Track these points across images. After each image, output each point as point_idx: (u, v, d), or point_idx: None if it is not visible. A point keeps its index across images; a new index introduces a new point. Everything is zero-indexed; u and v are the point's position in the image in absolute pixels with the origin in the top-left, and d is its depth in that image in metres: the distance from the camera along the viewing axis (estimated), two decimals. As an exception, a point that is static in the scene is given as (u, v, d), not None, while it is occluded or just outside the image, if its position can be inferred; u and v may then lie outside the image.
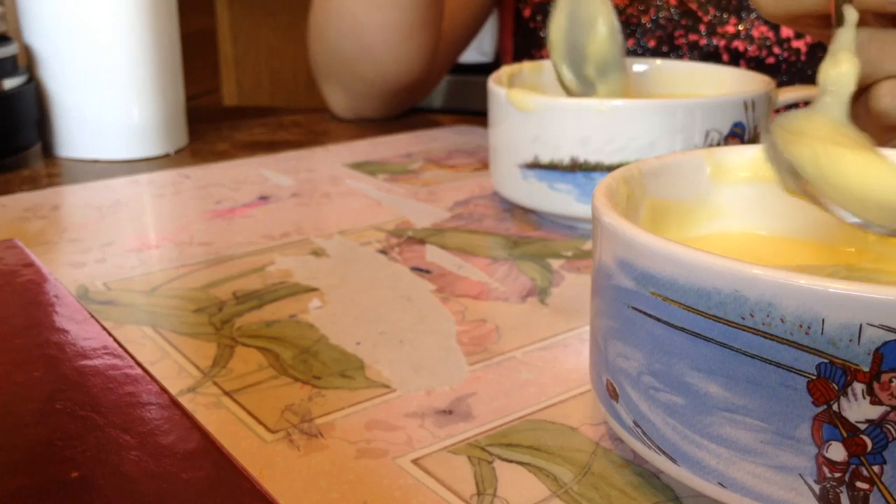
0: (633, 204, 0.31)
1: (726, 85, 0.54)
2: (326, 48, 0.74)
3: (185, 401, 0.31)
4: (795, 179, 0.29)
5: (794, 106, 0.57)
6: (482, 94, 0.54)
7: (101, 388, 0.23)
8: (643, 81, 0.58)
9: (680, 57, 0.70)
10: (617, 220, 0.26)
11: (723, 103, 0.46)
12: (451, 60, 0.81)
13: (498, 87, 0.50)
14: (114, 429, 0.21)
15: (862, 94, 0.39)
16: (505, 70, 0.55)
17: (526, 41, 0.79)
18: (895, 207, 0.28)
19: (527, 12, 0.77)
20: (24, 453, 0.20)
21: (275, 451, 0.28)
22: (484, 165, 0.61)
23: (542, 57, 0.76)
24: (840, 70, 0.32)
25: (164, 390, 0.23)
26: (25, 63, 0.65)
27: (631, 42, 0.71)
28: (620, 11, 0.71)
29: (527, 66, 0.57)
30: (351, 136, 0.71)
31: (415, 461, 0.28)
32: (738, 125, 0.47)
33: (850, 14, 0.34)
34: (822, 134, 0.31)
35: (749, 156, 0.34)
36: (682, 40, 0.70)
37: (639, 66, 0.59)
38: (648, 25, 0.70)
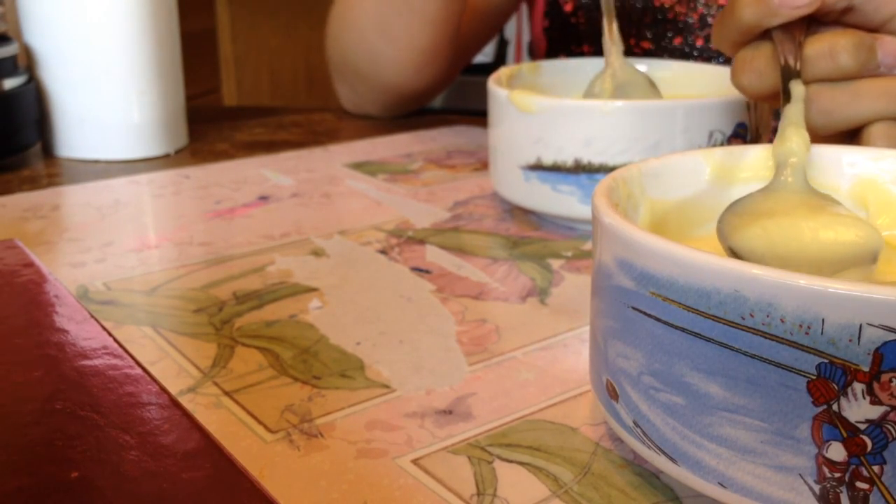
0: (633, 204, 0.31)
1: (726, 85, 0.54)
2: (339, 54, 0.76)
3: (185, 401, 0.31)
4: None
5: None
6: (482, 94, 0.54)
7: (101, 388, 0.23)
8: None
9: (727, 57, 0.70)
10: (617, 220, 0.26)
11: (726, 104, 0.46)
12: (462, 66, 0.82)
13: (499, 88, 0.50)
14: (114, 429, 0.21)
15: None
16: (504, 71, 0.55)
17: (564, 37, 0.78)
18: (846, 265, 0.29)
19: (568, 7, 0.76)
20: (24, 453, 0.20)
21: (275, 451, 0.28)
22: (484, 165, 0.61)
23: (581, 53, 0.76)
24: (790, 145, 0.33)
25: (164, 390, 0.23)
26: (25, 63, 0.65)
27: (678, 41, 0.71)
28: (668, 9, 0.71)
29: (525, 67, 0.57)
30: (351, 136, 0.71)
31: (415, 461, 0.28)
32: (741, 125, 0.47)
33: (797, 89, 0.36)
34: (784, 209, 0.31)
35: (748, 156, 0.34)
36: None
37: (639, 66, 0.59)
38: (696, 24, 0.70)
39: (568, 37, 0.78)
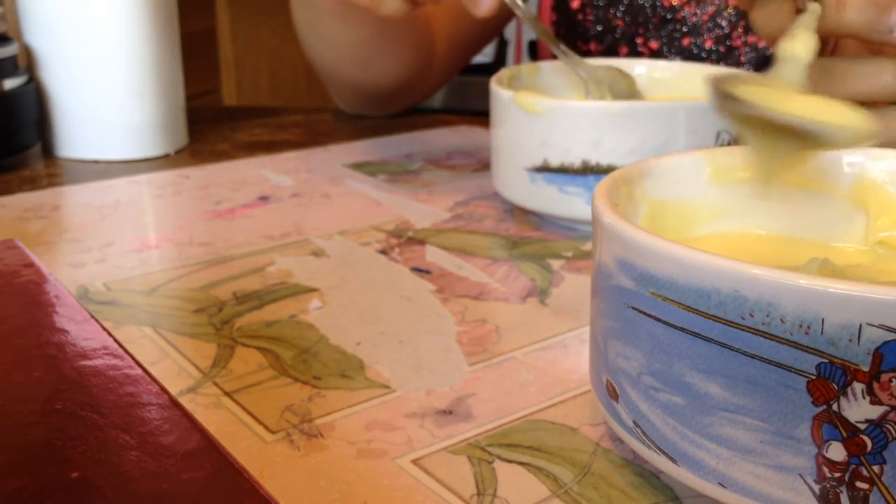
0: (633, 204, 0.31)
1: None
2: (309, 55, 0.76)
3: (185, 401, 0.31)
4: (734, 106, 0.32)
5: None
6: (482, 94, 0.54)
7: (101, 388, 0.23)
8: (643, 83, 0.58)
9: (737, 58, 0.70)
10: (617, 220, 0.26)
11: None
12: (460, 68, 0.82)
13: (503, 89, 0.50)
14: (114, 429, 0.21)
15: None
16: (504, 72, 0.54)
17: (570, 33, 0.78)
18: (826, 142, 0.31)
19: (575, 3, 0.77)
20: (24, 453, 0.20)
21: (275, 451, 0.28)
22: (484, 166, 0.61)
23: (588, 51, 0.76)
24: (797, 42, 0.35)
25: (164, 391, 0.23)
26: (25, 63, 0.65)
27: (687, 41, 0.71)
28: (677, 9, 0.71)
29: (525, 68, 0.57)
30: (351, 136, 0.71)
31: (415, 461, 0.28)
32: None
33: (813, 5, 0.37)
34: (774, 86, 0.33)
35: (748, 156, 0.34)
36: (740, 41, 0.70)
37: (640, 67, 0.59)
38: (705, 25, 0.70)
39: (575, 33, 0.78)
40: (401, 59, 0.73)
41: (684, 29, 0.71)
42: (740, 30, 0.70)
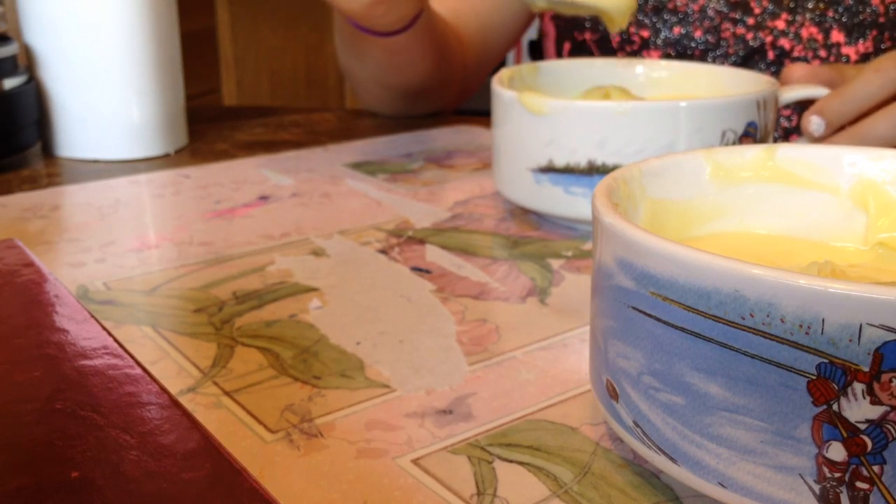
0: (633, 204, 0.31)
1: (723, 84, 0.54)
2: (344, 66, 0.78)
3: (185, 401, 0.31)
4: None
5: (798, 104, 0.57)
6: (483, 94, 0.54)
7: (101, 388, 0.23)
8: (641, 82, 0.58)
9: (725, 49, 0.70)
10: (617, 220, 0.26)
11: (738, 103, 0.46)
12: (486, 73, 0.84)
13: (505, 89, 0.49)
14: (114, 429, 0.21)
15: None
16: (504, 72, 0.54)
17: (568, 24, 0.80)
18: None
19: None
20: (24, 453, 0.20)
21: (275, 451, 0.28)
22: (484, 165, 0.61)
23: (583, 41, 0.77)
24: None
25: (164, 390, 0.23)
26: (25, 63, 0.65)
27: (678, 31, 0.71)
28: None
29: (525, 69, 0.57)
30: (351, 136, 0.71)
31: (415, 461, 0.28)
32: (751, 124, 0.47)
33: None
34: None
35: (749, 156, 0.34)
36: (729, 32, 0.70)
37: (636, 68, 0.59)
38: (696, 15, 0.70)
39: (572, 24, 0.79)
40: (442, 98, 0.77)
41: (675, 18, 0.71)
42: (729, 22, 0.70)
